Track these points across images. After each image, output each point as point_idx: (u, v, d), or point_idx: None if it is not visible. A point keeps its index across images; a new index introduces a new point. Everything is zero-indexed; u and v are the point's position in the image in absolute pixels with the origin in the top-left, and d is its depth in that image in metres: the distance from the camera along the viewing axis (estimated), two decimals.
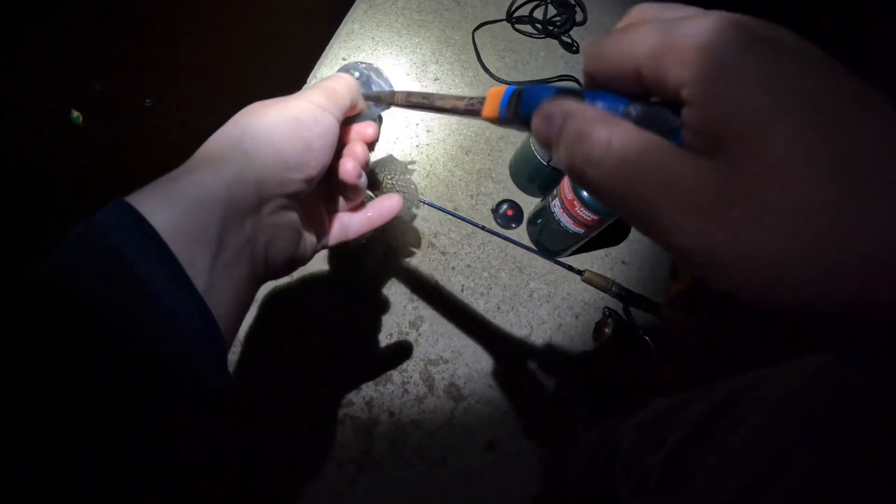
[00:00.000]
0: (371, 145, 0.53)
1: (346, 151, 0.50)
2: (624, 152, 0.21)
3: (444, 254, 1.06)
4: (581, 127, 0.23)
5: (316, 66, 1.21)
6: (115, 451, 0.28)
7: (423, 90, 0.45)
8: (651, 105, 0.23)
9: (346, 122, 0.49)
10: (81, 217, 0.31)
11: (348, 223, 0.54)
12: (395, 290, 1.00)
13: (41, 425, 0.26)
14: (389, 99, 0.48)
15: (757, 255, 0.17)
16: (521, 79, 1.32)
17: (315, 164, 0.43)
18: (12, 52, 1.13)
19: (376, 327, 0.97)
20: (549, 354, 1.05)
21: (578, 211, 0.91)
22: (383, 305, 0.98)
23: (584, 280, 1.08)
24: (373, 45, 1.25)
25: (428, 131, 1.18)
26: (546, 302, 1.09)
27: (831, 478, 0.43)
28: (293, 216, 0.44)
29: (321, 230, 0.51)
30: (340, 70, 0.54)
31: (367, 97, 0.51)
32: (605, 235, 1.07)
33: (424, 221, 1.08)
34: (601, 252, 1.17)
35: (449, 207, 1.09)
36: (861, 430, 0.44)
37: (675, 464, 0.56)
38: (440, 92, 0.42)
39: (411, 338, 0.98)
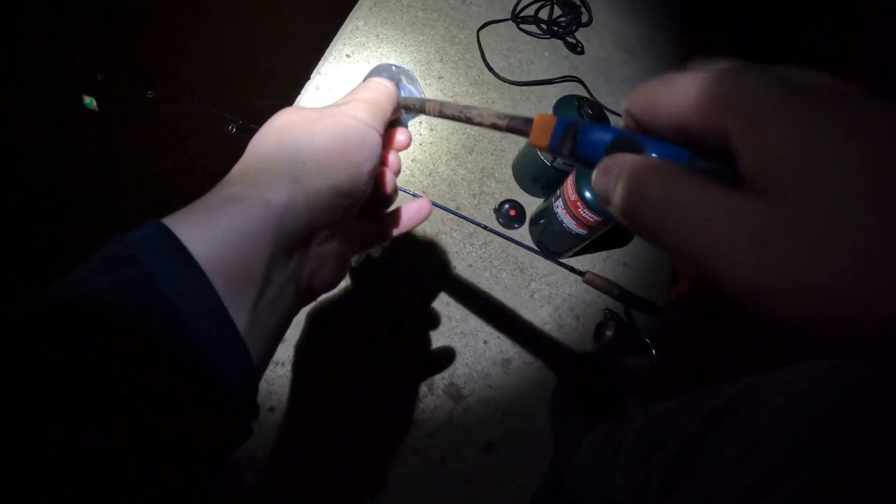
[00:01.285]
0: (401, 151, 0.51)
1: (384, 161, 0.48)
2: (681, 199, 0.22)
3: (445, 253, 1.06)
4: (637, 178, 0.24)
5: (320, 63, 1.20)
6: (146, 475, 0.27)
7: (455, 101, 0.42)
8: (711, 159, 0.24)
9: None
10: (88, 211, 0.29)
11: (379, 230, 0.52)
12: (394, 290, 1.00)
13: (67, 452, 0.24)
14: (420, 107, 0.46)
15: (815, 287, 0.18)
16: (525, 78, 1.31)
17: (364, 188, 0.40)
18: (16, 43, 1.12)
19: (376, 326, 0.96)
20: (550, 355, 1.04)
21: (582, 212, 0.91)
22: (383, 305, 0.98)
23: (585, 281, 1.08)
24: (377, 43, 1.25)
25: (431, 129, 1.17)
26: (547, 303, 1.09)
27: (835, 482, 0.42)
28: (335, 244, 0.41)
29: (356, 245, 0.49)
30: (373, 72, 0.51)
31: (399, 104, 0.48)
32: (607, 237, 1.07)
33: (426, 220, 1.07)
34: (603, 254, 1.17)
35: (451, 206, 1.09)
36: (865, 434, 0.44)
37: (677, 467, 0.56)
38: (471, 105, 0.39)
39: (411, 337, 0.98)
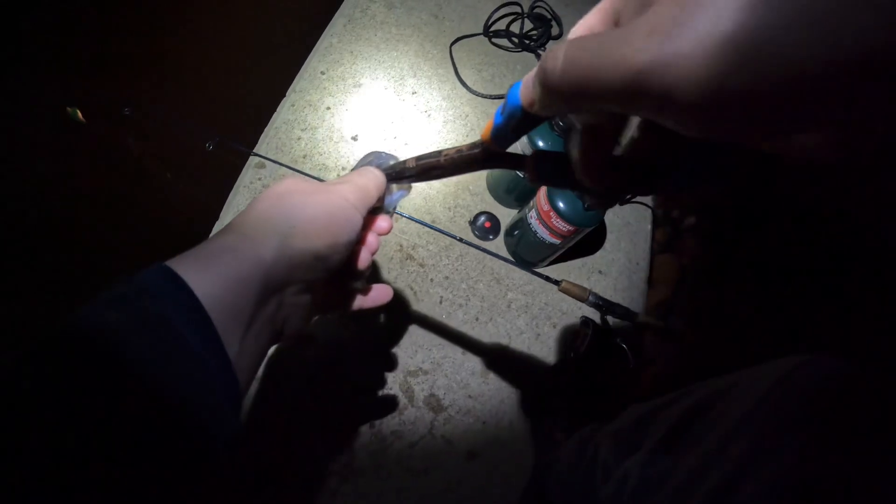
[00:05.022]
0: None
1: (362, 240, 0.55)
2: (582, 43, 0.24)
3: (422, 266, 1.07)
4: (547, 54, 0.26)
5: (295, 80, 1.22)
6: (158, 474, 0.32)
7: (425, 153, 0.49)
8: None
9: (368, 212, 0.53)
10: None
11: (346, 299, 0.60)
12: None
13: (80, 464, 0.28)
14: (401, 168, 0.52)
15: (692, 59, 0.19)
16: (499, 92, 1.33)
17: (338, 258, 0.47)
18: None
19: (355, 340, 0.97)
20: (528, 364, 1.06)
21: (555, 222, 0.92)
22: (361, 318, 0.98)
23: (561, 290, 1.09)
24: (351, 59, 1.26)
25: (406, 144, 1.19)
26: (524, 312, 1.10)
27: (802, 475, 0.44)
28: (307, 298, 0.48)
29: (324, 306, 0.56)
30: (364, 159, 0.60)
31: (385, 172, 0.55)
32: (581, 246, 1.09)
33: (402, 234, 1.08)
34: (578, 262, 1.19)
35: (427, 220, 1.10)
36: (829, 428, 0.46)
37: (651, 467, 0.57)
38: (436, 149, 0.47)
39: (390, 349, 0.98)
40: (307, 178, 0.50)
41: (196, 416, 0.33)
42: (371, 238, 0.56)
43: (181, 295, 0.34)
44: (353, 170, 0.56)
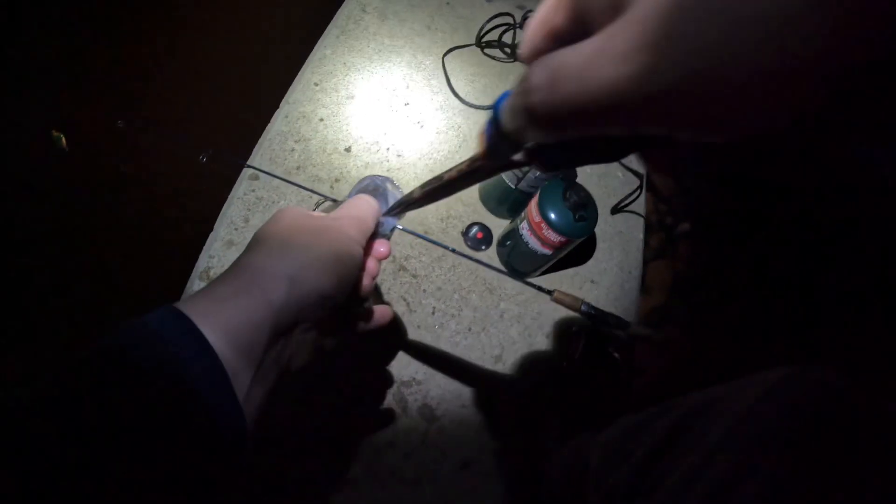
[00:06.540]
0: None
1: (362, 267, 0.56)
2: (554, 63, 0.23)
3: (414, 276, 1.08)
4: (526, 76, 0.25)
5: (288, 92, 1.22)
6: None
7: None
8: None
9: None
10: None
11: (347, 323, 0.61)
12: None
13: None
14: (408, 200, 0.53)
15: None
16: (491, 103, 1.34)
17: (343, 295, 0.49)
18: None
19: (348, 351, 0.97)
20: (521, 374, 1.06)
21: (546, 233, 0.93)
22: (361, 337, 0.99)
23: (553, 300, 1.10)
24: (344, 71, 1.27)
25: (399, 155, 1.20)
26: (517, 322, 1.11)
27: (789, 487, 0.44)
28: (313, 334, 0.51)
29: (328, 333, 0.57)
30: (359, 186, 0.62)
31: (389, 212, 0.58)
32: (573, 255, 1.09)
33: (396, 245, 1.09)
34: (570, 271, 1.20)
35: (419, 231, 1.10)
36: (817, 442, 0.46)
37: (640, 478, 0.58)
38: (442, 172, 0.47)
39: (382, 360, 0.99)
40: (308, 211, 0.51)
41: (203, 456, 0.35)
42: (371, 263, 0.57)
43: (191, 340, 0.36)
44: (349, 195, 0.58)
